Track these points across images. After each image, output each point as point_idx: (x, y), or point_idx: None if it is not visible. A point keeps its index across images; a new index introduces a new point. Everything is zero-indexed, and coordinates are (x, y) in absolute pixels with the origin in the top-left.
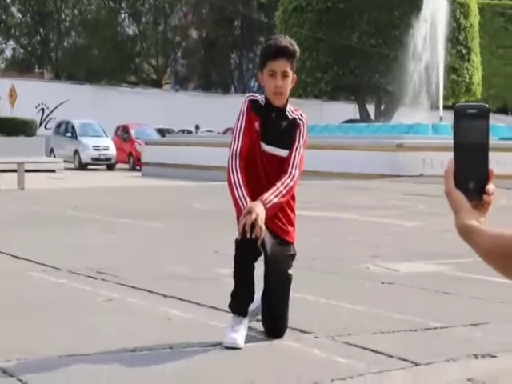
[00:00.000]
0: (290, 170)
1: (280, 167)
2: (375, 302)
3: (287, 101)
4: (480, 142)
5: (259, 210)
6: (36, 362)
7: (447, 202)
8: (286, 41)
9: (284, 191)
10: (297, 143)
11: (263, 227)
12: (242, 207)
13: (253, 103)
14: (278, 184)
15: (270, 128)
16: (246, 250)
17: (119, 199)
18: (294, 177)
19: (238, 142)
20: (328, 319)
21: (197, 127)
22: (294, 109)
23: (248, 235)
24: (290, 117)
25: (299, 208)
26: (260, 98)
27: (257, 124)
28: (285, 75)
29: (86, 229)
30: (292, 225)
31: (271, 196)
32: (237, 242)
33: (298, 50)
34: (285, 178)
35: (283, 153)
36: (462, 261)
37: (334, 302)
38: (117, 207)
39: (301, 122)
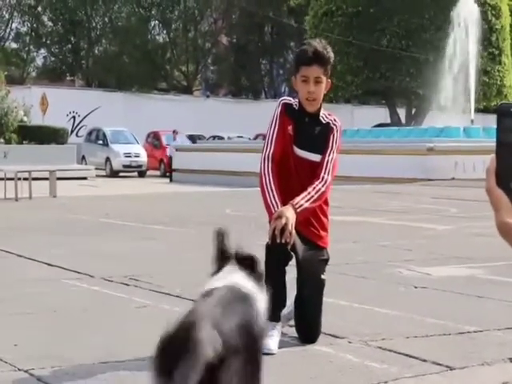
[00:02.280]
0: (322, 175)
1: (312, 172)
2: (408, 307)
3: (321, 106)
4: None
5: (289, 215)
6: (70, 369)
7: (488, 199)
8: (321, 46)
9: (315, 196)
10: (330, 148)
11: (293, 232)
12: (273, 211)
13: (286, 107)
14: (310, 189)
15: (304, 132)
16: (276, 255)
17: (150, 206)
18: (326, 182)
19: (271, 145)
20: (361, 324)
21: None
22: (328, 113)
23: (278, 240)
24: (324, 121)
25: (331, 213)
26: (294, 101)
27: (290, 128)
28: (318, 81)
29: (118, 236)
30: (325, 230)
31: (302, 201)
32: (267, 246)
33: (332, 55)
34: (317, 182)
35: (316, 157)
36: (495, 264)
37: (367, 306)
38: (148, 214)
39: (334, 127)
